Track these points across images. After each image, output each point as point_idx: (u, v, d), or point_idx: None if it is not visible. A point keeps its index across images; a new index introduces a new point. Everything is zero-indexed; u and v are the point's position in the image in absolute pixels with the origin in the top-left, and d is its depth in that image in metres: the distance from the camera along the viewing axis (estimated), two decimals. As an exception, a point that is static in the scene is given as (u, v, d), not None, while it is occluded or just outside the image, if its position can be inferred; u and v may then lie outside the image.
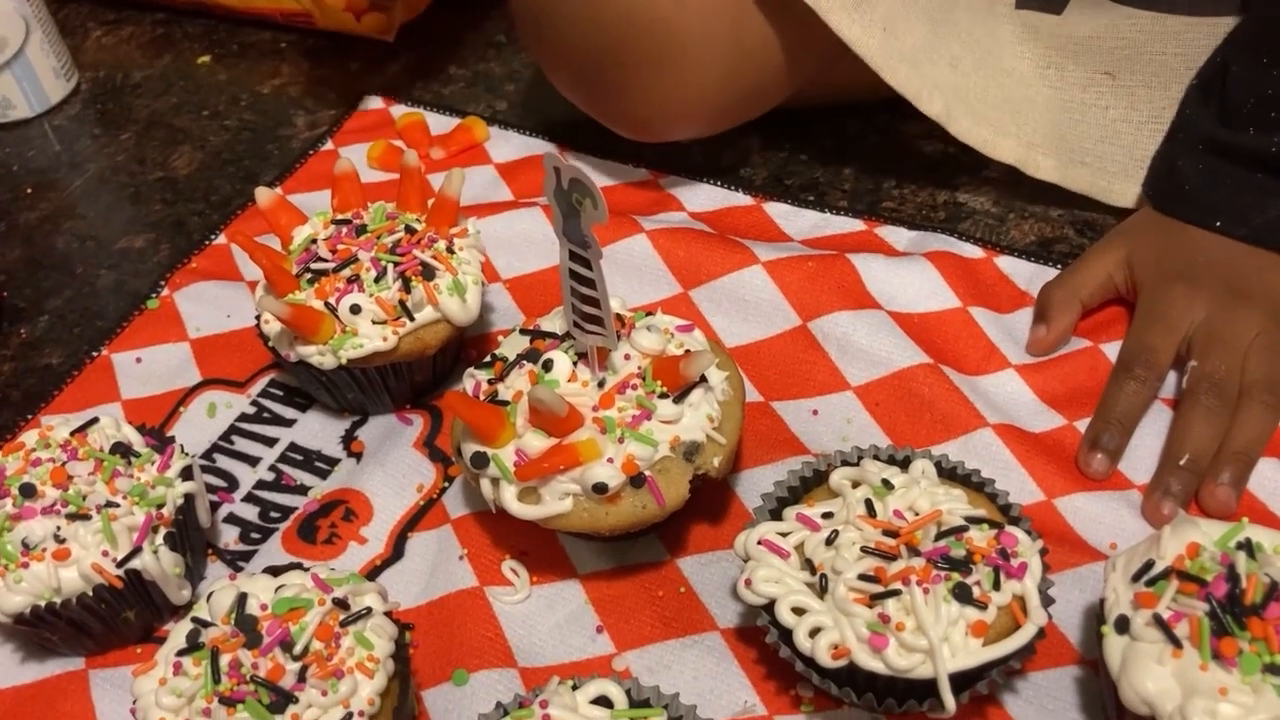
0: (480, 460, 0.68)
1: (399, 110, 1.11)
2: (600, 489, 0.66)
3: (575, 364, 0.71)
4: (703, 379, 0.70)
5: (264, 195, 0.83)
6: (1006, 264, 0.90)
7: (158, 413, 0.86)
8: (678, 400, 0.69)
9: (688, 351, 0.71)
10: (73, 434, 0.74)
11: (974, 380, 0.82)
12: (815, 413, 0.81)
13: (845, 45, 0.85)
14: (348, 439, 0.83)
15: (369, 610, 0.63)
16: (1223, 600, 0.58)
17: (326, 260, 0.80)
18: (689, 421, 0.69)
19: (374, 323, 0.78)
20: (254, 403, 0.87)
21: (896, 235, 0.93)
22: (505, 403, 0.70)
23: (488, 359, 0.74)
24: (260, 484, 0.81)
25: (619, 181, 1.02)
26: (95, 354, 0.91)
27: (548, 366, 0.70)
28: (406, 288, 0.78)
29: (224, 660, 0.61)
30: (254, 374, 0.89)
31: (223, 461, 0.83)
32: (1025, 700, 0.66)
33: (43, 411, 0.87)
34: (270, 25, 1.25)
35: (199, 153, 1.11)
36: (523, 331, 0.75)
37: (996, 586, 0.61)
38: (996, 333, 0.85)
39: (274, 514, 0.79)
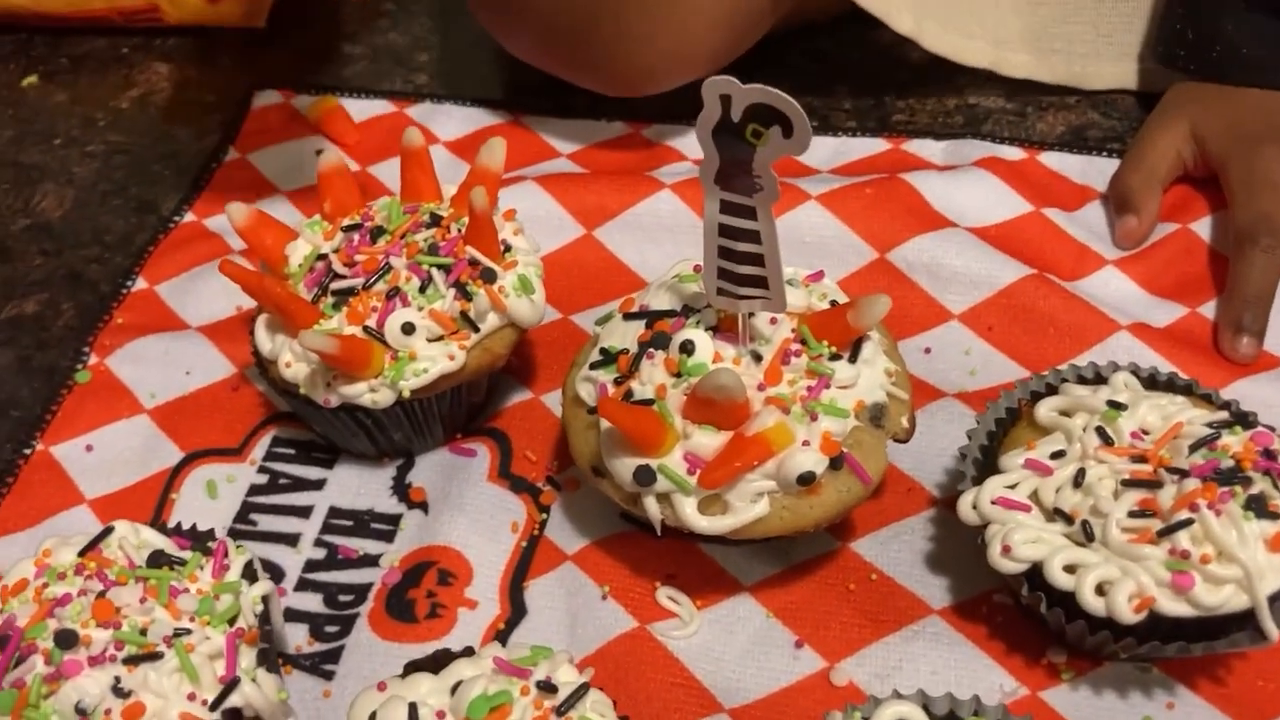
0: (646, 475, 0.56)
1: (305, 100, 0.94)
2: (806, 479, 0.55)
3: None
4: (860, 331, 0.60)
5: (239, 212, 0.67)
6: (1052, 160, 0.84)
7: (142, 506, 0.69)
8: (852, 359, 0.59)
9: (835, 302, 0.61)
10: (82, 554, 0.56)
11: (1076, 285, 0.75)
12: (928, 351, 0.73)
13: None
14: (401, 488, 0.69)
15: (585, 688, 0.50)
16: None
17: (348, 275, 0.64)
18: (868, 381, 0.59)
19: (430, 340, 0.63)
20: (262, 469, 0.70)
21: (928, 148, 0.86)
22: (648, 402, 0.58)
23: (599, 356, 0.61)
24: (311, 565, 0.66)
25: (596, 141, 0.89)
26: (28, 450, 0.72)
27: (688, 349, 0.58)
28: (465, 294, 0.64)
29: (429, 796, 0.47)
30: (248, 434, 0.72)
31: (253, 548, 0.65)
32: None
33: (-17, 536, 0.68)
34: (103, 30, 1.04)
35: (67, 189, 0.90)
36: (626, 316, 0.62)
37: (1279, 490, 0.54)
38: (1077, 231, 0.78)
39: (345, 597, 0.64)
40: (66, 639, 0.51)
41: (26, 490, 0.70)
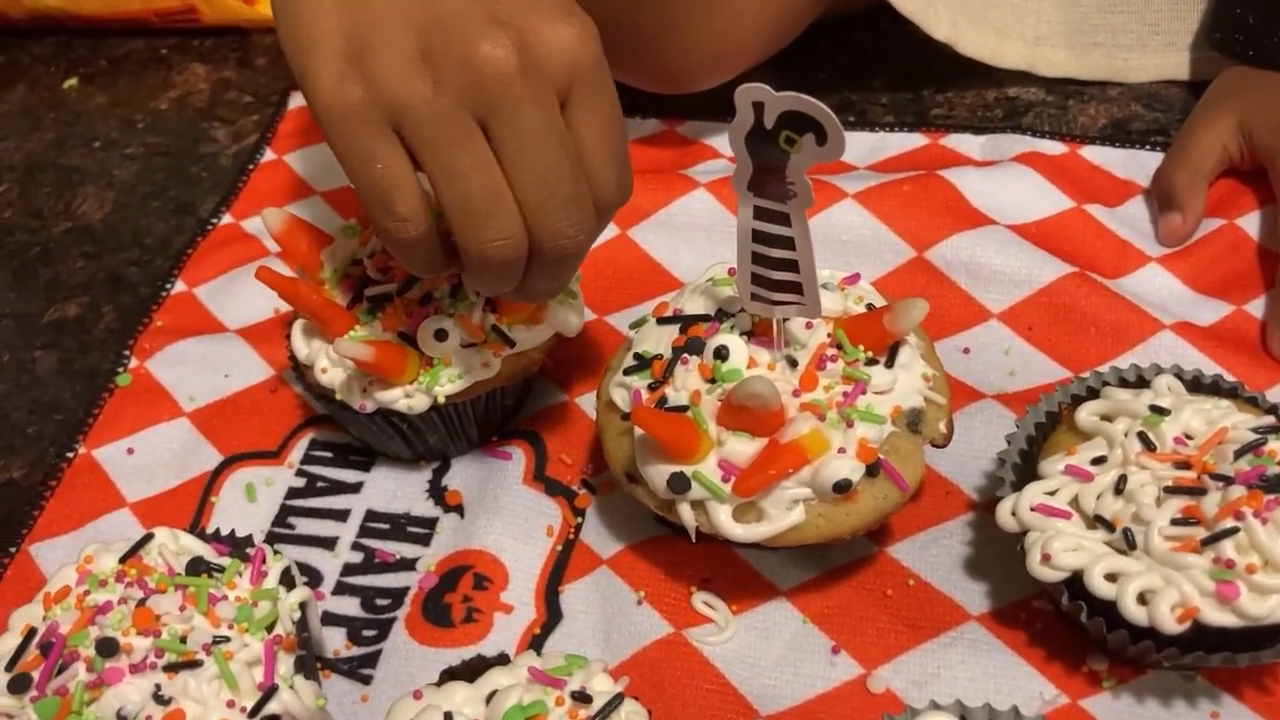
0: (680, 483, 0.56)
1: (341, 102, 0.94)
2: (842, 487, 0.55)
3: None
4: (897, 334, 0.59)
5: (275, 218, 0.67)
6: (1094, 154, 0.82)
7: (182, 509, 0.69)
8: (889, 364, 0.58)
9: (871, 305, 0.60)
10: (123, 560, 0.57)
11: (1118, 283, 0.74)
12: (967, 351, 0.72)
13: None
14: (437, 491, 0.69)
15: (620, 698, 0.50)
16: None
17: (382, 281, 0.65)
18: (904, 386, 0.58)
19: (464, 346, 0.63)
20: (300, 472, 0.71)
21: (967, 143, 0.84)
22: (682, 408, 0.57)
23: (633, 361, 0.61)
24: (349, 569, 0.66)
25: (631, 138, 0.88)
26: (71, 454, 0.73)
27: (722, 355, 0.58)
28: (495, 307, 0.64)
29: (464, 806, 0.47)
30: (286, 437, 0.72)
31: (291, 552, 0.67)
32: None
33: (28, 540, 0.69)
34: (141, 32, 1.05)
35: (108, 191, 0.91)
36: (660, 320, 0.62)
37: (1327, 500, 0.53)
38: (1119, 227, 0.77)
39: (382, 601, 0.64)
40: (108, 647, 0.52)
41: (69, 493, 0.71)
